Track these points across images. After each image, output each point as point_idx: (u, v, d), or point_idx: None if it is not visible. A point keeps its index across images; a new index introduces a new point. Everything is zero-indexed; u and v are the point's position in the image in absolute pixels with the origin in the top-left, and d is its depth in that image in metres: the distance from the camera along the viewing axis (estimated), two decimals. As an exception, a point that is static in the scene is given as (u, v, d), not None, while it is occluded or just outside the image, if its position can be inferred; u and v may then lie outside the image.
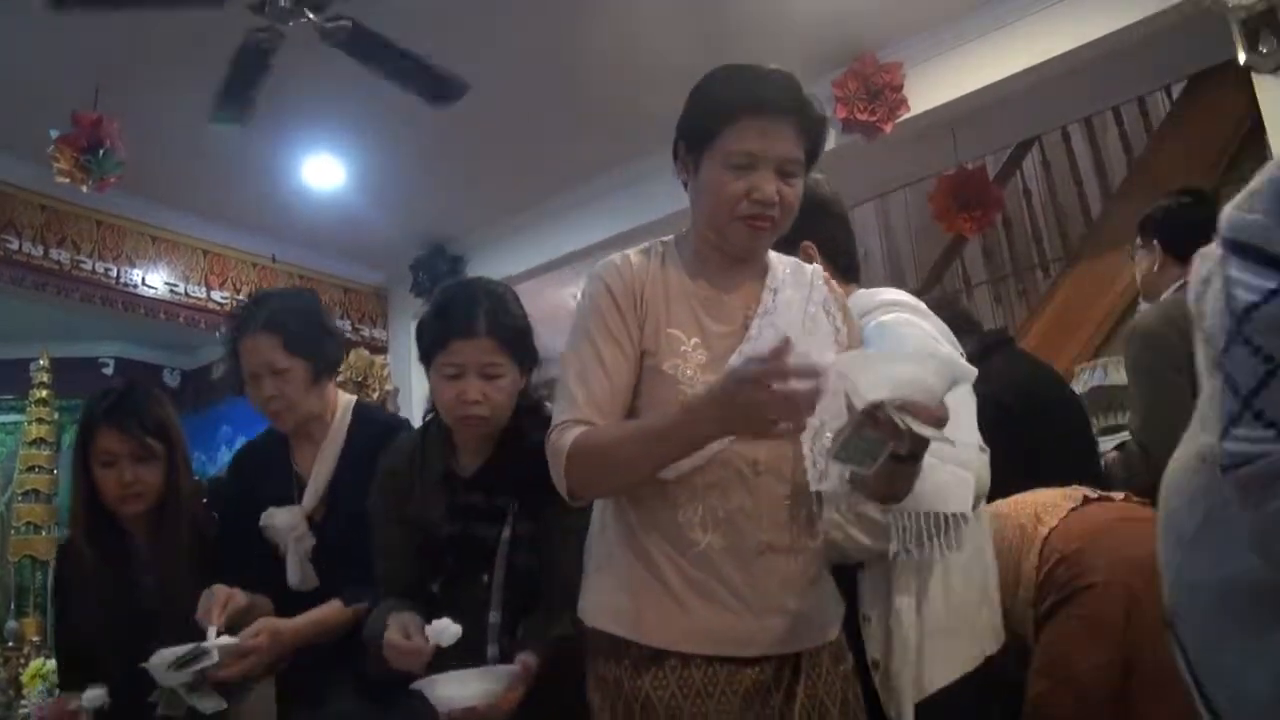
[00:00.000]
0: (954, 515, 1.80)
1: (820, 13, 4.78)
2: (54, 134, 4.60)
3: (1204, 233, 3.13)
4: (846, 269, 2.29)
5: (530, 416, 2.09)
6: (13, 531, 6.67)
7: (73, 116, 4.61)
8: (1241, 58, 4.05)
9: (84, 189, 4.73)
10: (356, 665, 2.14)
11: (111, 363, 8.18)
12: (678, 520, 1.66)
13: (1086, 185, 6.44)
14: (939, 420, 1.38)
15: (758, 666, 1.65)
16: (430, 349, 2.06)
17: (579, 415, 1.67)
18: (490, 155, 5.82)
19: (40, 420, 6.95)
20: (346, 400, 2.57)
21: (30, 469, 6.85)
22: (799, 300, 1.77)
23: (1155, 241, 3.08)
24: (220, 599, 2.18)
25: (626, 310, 1.72)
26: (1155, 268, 3.06)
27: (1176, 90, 5.82)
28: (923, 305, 2.30)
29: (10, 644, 6.15)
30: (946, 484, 1.79)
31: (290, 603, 2.36)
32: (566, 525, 1.96)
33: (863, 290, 2.31)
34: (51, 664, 5.80)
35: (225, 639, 2.12)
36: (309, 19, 3.81)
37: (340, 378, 6.87)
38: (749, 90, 1.71)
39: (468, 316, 2.02)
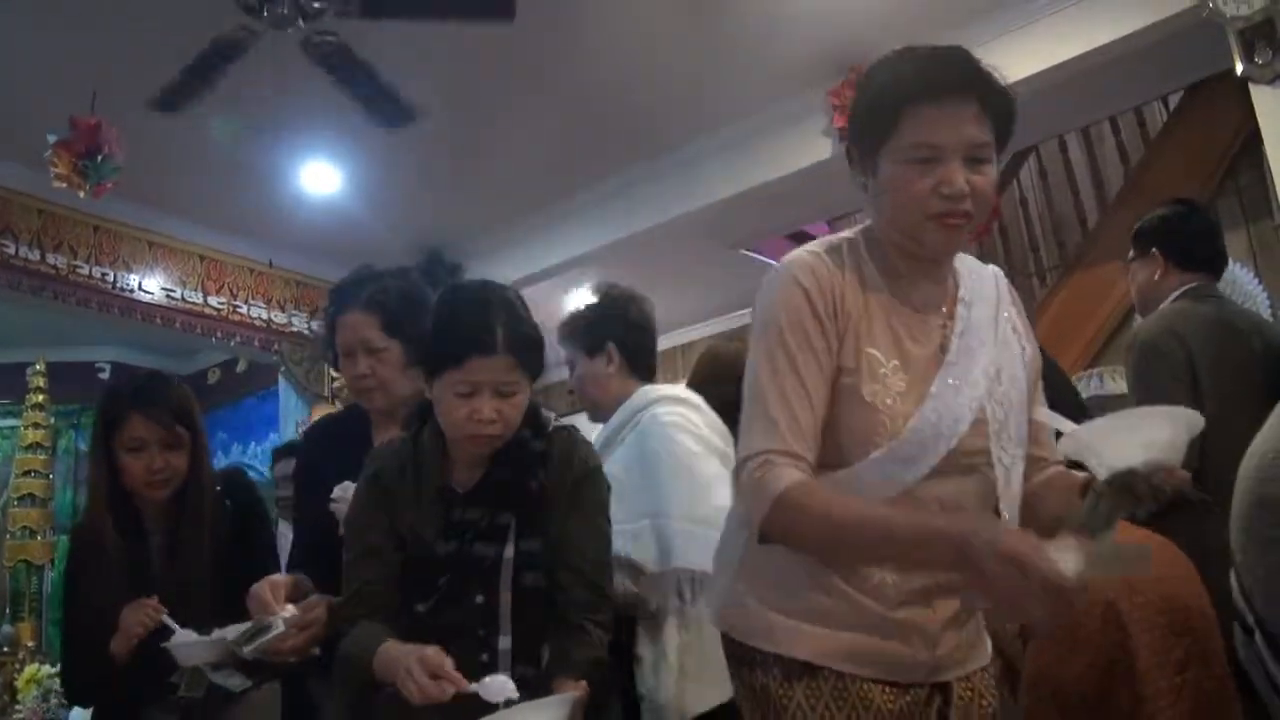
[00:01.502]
0: (700, 573, 2.00)
1: (817, 22, 4.79)
2: (51, 139, 4.59)
3: (1204, 239, 3.16)
4: (645, 371, 2.76)
5: (530, 426, 1.99)
6: (8, 536, 6.67)
7: (70, 121, 4.61)
8: (1239, 68, 4.06)
9: (81, 194, 4.72)
10: None
11: (108, 368, 8.19)
12: None
13: (1083, 194, 6.44)
14: (1184, 482, 1.32)
15: (912, 690, 1.60)
16: (441, 363, 1.89)
17: (785, 447, 1.50)
18: (487, 162, 5.83)
19: (36, 425, 6.96)
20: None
21: (26, 473, 6.86)
22: (989, 316, 1.65)
23: (1155, 250, 3.08)
24: (273, 591, 2.13)
25: (826, 320, 1.56)
26: (1156, 276, 3.06)
27: (1174, 100, 5.82)
28: (699, 400, 2.69)
29: (5, 649, 6.14)
30: (698, 547, 1.99)
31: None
32: (580, 535, 1.92)
33: (647, 386, 2.73)
34: (47, 669, 5.79)
35: (288, 609, 2.09)
36: (300, 27, 3.81)
37: (335, 382, 6.93)
38: (920, 74, 1.54)
39: (485, 332, 1.87)
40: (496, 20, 3.84)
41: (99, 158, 4.61)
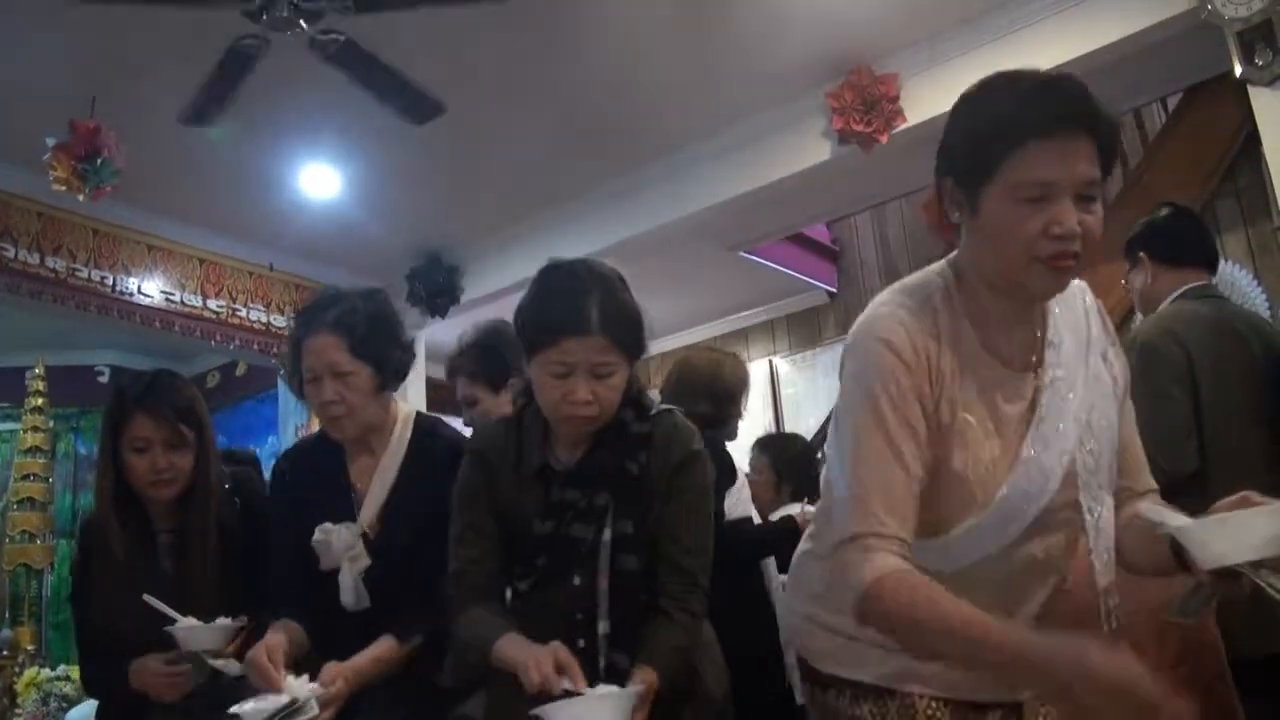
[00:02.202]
0: None
1: (816, 24, 4.79)
2: (51, 142, 4.60)
3: (1191, 238, 3.16)
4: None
5: (634, 408, 1.96)
6: (7, 540, 6.67)
7: (70, 125, 4.61)
8: (1238, 70, 4.05)
9: (80, 197, 4.72)
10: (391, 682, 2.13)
11: (107, 371, 8.20)
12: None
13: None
14: None
15: (984, 711, 1.57)
16: (535, 343, 1.86)
17: (883, 530, 1.41)
18: (486, 166, 5.82)
19: (35, 429, 6.97)
20: (406, 411, 2.43)
21: (25, 477, 6.87)
22: (1078, 352, 1.55)
23: (1143, 254, 3.08)
24: (271, 657, 2.03)
25: (921, 386, 1.47)
26: (1150, 280, 3.06)
27: (1172, 102, 5.83)
28: None
29: (5, 652, 6.13)
30: None
31: (332, 622, 2.24)
32: (678, 521, 1.91)
33: None
34: (46, 672, 5.80)
35: (315, 687, 2.01)
36: (303, 29, 3.81)
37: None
38: (1032, 106, 1.42)
39: (579, 311, 1.82)
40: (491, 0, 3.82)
41: (98, 161, 4.62)
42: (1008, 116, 1.43)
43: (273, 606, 2.26)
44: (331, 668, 2.05)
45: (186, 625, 2.23)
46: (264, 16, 3.70)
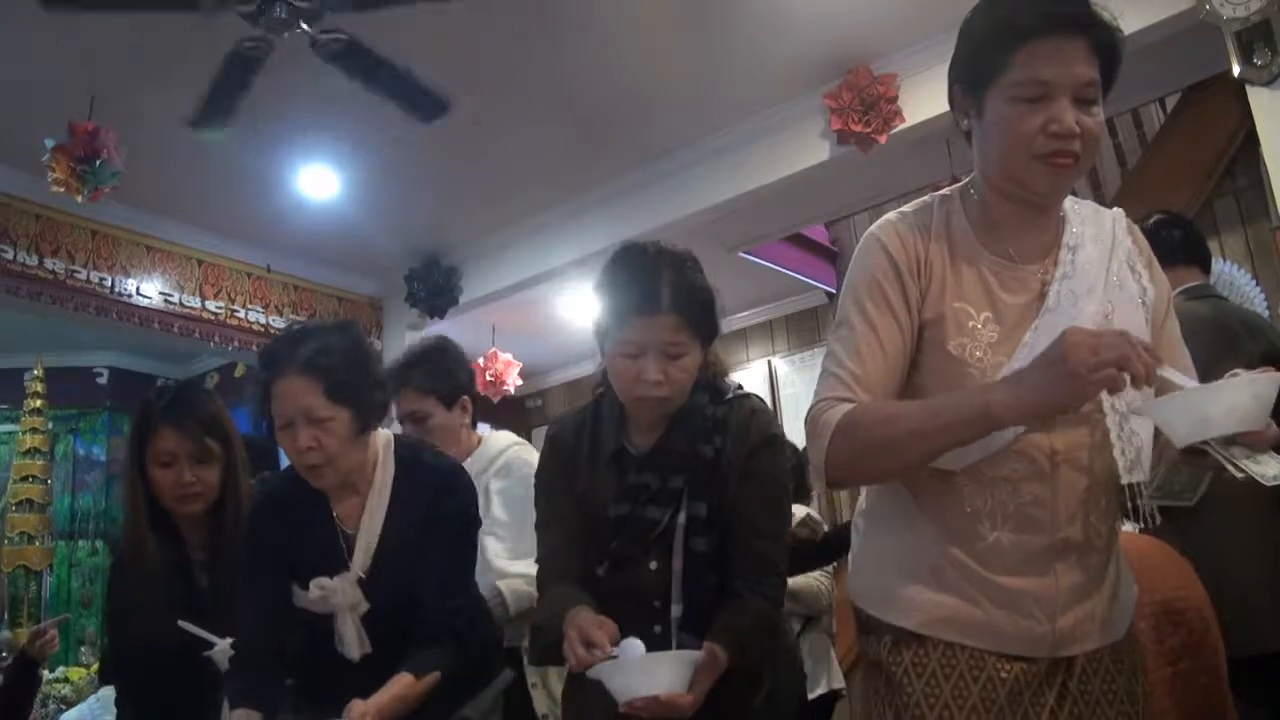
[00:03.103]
0: None
1: (815, 24, 4.79)
2: (49, 143, 4.59)
3: (1182, 240, 3.17)
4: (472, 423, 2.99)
5: (709, 391, 1.96)
6: (6, 542, 6.66)
7: (69, 126, 4.61)
8: (1236, 70, 4.05)
9: (79, 199, 4.72)
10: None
11: (105, 373, 8.19)
12: (964, 511, 1.51)
13: (1080, 196, 6.44)
14: (1269, 443, 1.28)
15: (1031, 663, 1.51)
16: (607, 323, 1.89)
17: (846, 394, 1.49)
18: (485, 167, 5.82)
19: (34, 430, 6.96)
20: (385, 438, 2.27)
21: (24, 479, 6.85)
22: (1100, 257, 1.57)
23: None
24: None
25: (907, 277, 1.54)
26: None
27: (1171, 102, 5.84)
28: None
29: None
30: None
31: (330, 671, 2.14)
32: (752, 505, 1.89)
33: (493, 433, 3.00)
34: (44, 674, 5.78)
35: None
36: (303, 30, 3.81)
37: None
38: (1033, 10, 1.47)
39: (650, 291, 1.83)
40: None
41: (97, 162, 4.61)
42: (1007, 19, 1.49)
43: (236, 681, 2.12)
44: (357, 705, 1.94)
45: (225, 649, 2.20)
46: (260, 19, 3.70)
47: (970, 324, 1.52)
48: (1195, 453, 1.32)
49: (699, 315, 1.88)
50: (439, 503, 2.15)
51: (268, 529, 2.22)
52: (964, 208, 1.61)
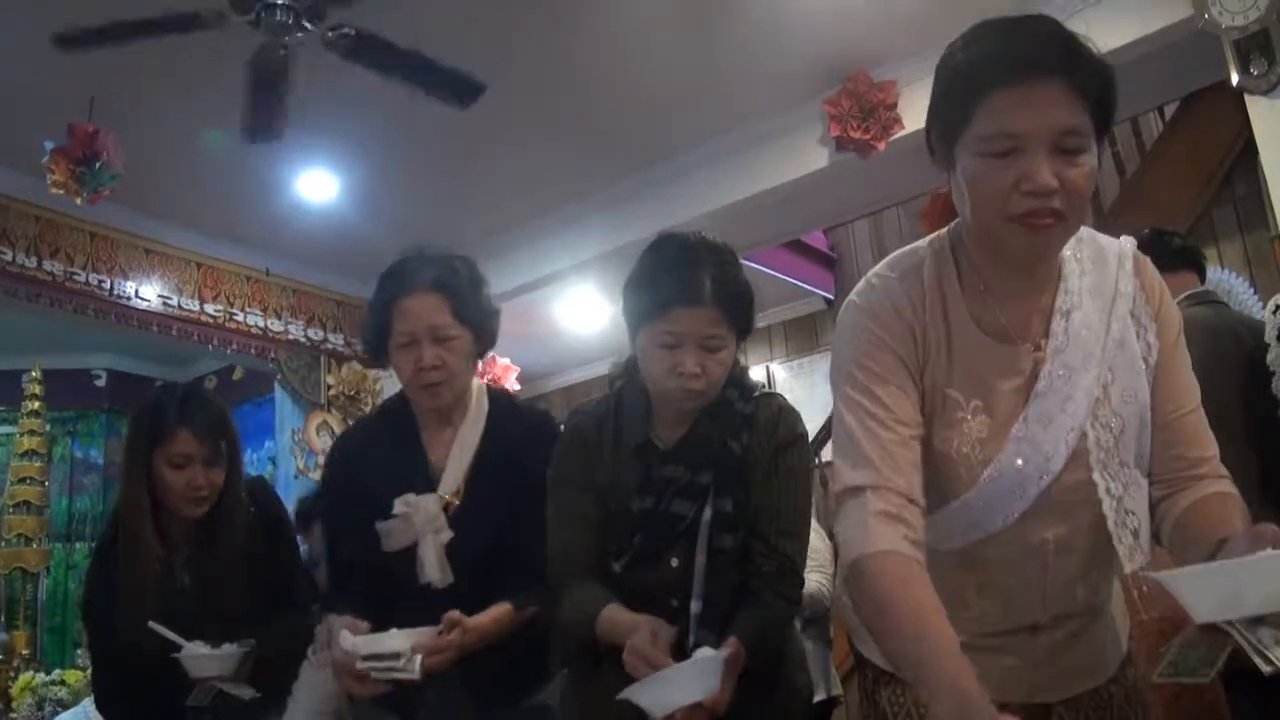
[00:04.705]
0: None
1: (814, 31, 4.80)
2: (49, 145, 4.60)
3: (1175, 246, 3.21)
4: None
5: (737, 388, 1.93)
6: (3, 544, 6.65)
7: (68, 128, 4.61)
8: (1234, 79, 4.06)
9: (78, 201, 4.72)
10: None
11: (104, 375, 8.18)
12: (954, 580, 1.42)
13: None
14: None
15: (1004, 706, 1.45)
16: (644, 313, 1.83)
17: (880, 481, 1.34)
18: (484, 170, 5.83)
19: (32, 432, 6.95)
20: (478, 382, 2.29)
21: (21, 481, 6.84)
22: (1099, 314, 1.43)
23: None
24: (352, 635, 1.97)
25: (904, 353, 1.41)
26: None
27: (1169, 111, 5.84)
28: None
29: (0, 657, 6.11)
30: None
31: (410, 602, 2.12)
32: (776, 503, 1.87)
33: None
34: (41, 676, 5.78)
35: (417, 632, 1.94)
36: (310, 30, 3.81)
37: (331, 390, 6.92)
38: (997, 51, 1.31)
39: (692, 281, 1.79)
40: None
41: (96, 165, 4.61)
42: (972, 64, 1.33)
43: (336, 594, 2.18)
44: (453, 616, 1.96)
45: (193, 653, 2.19)
46: (261, 23, 3.70)
47: (959, 415, 1.41)
48: (1214, 629, 1.13)
49: (738, 310, 1.85)
50: (535, 448, 2.11)
51: (354, 458, 2.27)
52: (956, 267, 1.46)
